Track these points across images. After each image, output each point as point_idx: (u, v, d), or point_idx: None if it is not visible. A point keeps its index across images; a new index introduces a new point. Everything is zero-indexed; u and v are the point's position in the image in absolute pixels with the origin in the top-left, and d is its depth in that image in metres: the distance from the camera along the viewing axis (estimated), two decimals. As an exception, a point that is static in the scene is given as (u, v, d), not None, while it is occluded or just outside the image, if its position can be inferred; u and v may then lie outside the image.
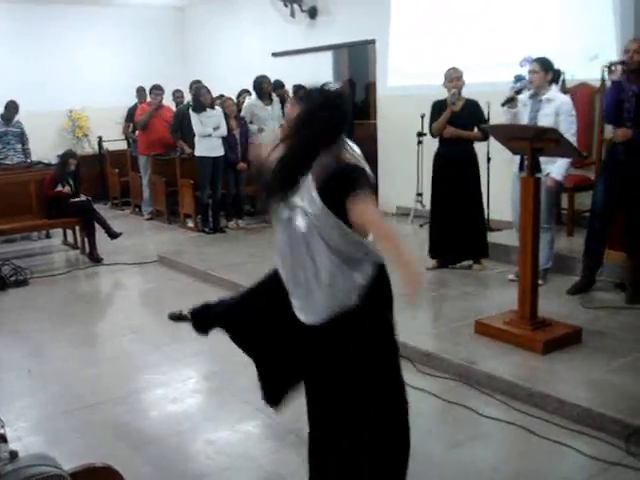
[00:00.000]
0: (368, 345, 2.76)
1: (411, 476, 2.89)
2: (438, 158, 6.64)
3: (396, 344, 2.93)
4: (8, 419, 3.98)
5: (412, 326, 5.28)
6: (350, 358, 2.73)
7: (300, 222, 2.65)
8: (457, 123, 6.41)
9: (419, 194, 8.92)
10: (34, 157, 10.48)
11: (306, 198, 2.62)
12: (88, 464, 1.93)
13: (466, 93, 6.49)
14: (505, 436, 3.84)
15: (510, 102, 5.73)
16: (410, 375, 4.51)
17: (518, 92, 5.80)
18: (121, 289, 7.44)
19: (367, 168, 2.78)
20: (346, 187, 2.55)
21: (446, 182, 6.53)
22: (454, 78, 6.39)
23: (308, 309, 2.75)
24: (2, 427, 3.80)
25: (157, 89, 10.45)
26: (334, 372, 2.76)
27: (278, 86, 10.08)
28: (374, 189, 2.78)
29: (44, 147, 11.23)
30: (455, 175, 6.48)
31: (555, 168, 5.65)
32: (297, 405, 4.16)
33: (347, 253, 2.69)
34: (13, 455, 1.63)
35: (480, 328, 4.96)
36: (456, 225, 6.50)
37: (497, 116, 6.66)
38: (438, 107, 6.52)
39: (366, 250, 2.73)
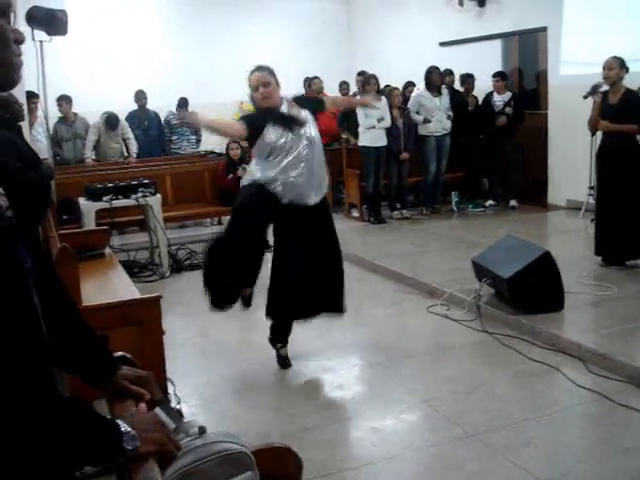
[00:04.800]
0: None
1: (579, 475, 2.79)
2: (600, 151, 6.41)
3: None
4: (183, 395, 4.21)
5: (584, 325, 5.12)
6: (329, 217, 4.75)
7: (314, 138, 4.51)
8: (612, 115, 6.14)
9: (591, 187, 8.56)
10: (207, 147, 10.97)
11: (309, 126, 4.50)
12: (268, 443, 1.99)
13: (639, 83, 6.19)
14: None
15: None
16: (580, 375, 4.40)
17: None
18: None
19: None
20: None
21: (608, 176, 6.28)
22: (604, 68, 6.14)
23: (319, 192, 4.53)
24: (179, 403, 4.03)
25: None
26: (329, 226, 4.71)
27: (446, 74, 10.06)
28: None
29: (216, 137, 11.66)
30: (616, 169, 6.21)
31: None
32: (462, 401, 4.16)
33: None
34: (202, 430, 1.71)
35: (657, 330, 4.72)
36: (619, 221, 6.22)
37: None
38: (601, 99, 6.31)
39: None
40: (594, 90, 6.35)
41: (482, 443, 3.63)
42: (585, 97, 6.59)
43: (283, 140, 4.39)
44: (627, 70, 6.12)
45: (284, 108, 4.50)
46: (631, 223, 6.24)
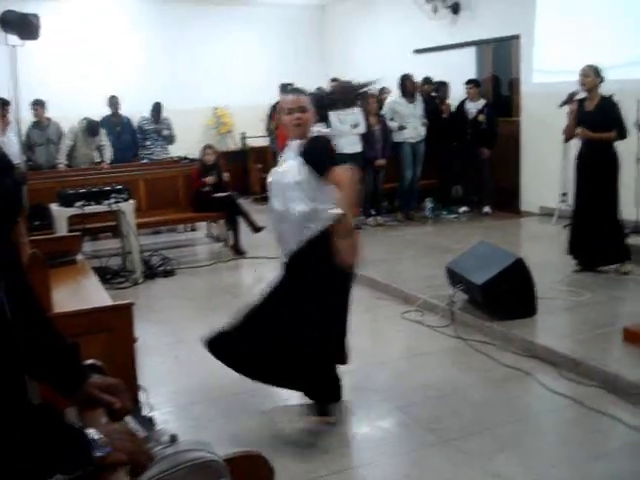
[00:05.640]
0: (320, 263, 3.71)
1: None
2: (578, 159, 6.46)
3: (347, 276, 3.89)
4: (156, 403, 4.17)
5: (557, 331, 5.15)
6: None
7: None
8: (589, 122, 6.20)
9: (564, 194, 8.64)
10: (180, 153, 10.94)
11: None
12: (240, 451, 1.98)
13: (614, 91, 6.23)
14: (653, 449, 3.67)
15: None
16: (554, 381, 4.42)
17: None
18: (263, 282, 7.60)
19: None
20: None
21: (586, 183, 6.35)
22: (580, 75, 6.21)
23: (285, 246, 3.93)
24: (151, 411, 3.99)
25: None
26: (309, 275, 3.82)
27: (425, 83, 10.14)
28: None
29: (189, 143, 11.63)
30: (594, 176, 6.27)
31: None
32: (436, 407, 4.16)
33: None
34: (173, 439, 1.69)
35: (629, 336, 4.74)
36: (594, 227, 6.28)
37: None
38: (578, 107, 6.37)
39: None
40: (570, 98, 6.41)
41: (456, 449, 3.63)
42: (561, 105, 6.66)
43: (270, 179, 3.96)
44: (602, 79, 6.17)
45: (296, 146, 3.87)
46: (608, 230, 6.30)
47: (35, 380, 1.80)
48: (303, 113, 3.76)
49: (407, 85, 9.56)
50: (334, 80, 10.45)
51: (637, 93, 6.24)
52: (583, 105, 6.32)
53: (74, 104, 10.69)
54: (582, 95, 6.33)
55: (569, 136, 6.49)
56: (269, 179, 3.93)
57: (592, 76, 6.13)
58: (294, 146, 3.81)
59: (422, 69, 10.37)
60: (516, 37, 9.73)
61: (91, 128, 9.84)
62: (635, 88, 6.33)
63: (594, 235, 6.31)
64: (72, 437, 1.44)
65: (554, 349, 4.72)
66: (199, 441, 1.77)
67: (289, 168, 3.79)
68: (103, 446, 1.44)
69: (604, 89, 6.28)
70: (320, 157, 3.78)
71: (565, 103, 6.52)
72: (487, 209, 9.82)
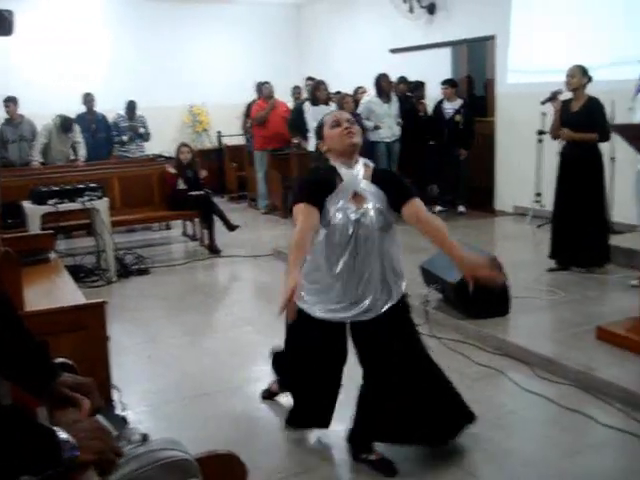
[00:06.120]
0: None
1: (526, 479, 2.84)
2: (561, 158, 6.47)
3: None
4: (129, 402, 4.15)
5: (530, 329, 5.17)
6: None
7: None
8: (574, 123, 6.20)
9: (538, 194, 8.71)
10: (156, 151, 10.89)
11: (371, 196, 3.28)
12: (212, 450, 1.97)
13: (591, 92, 6.27)
14: (624, 446, 3.70)
15: None
16: (527, 379, 4.45)
17: None
18: (237, 281, 7.61)
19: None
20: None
21: (568, 183, 6.35)
22: (567, 75, 6.21)
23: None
24: (124, 410, 3.96)
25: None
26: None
27: (400, 82, 10.17)
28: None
29: (165, 141, 11.59)
30: (576, 176, 6.28)
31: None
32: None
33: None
34: (144, 438, 1.68)
35: (601, 334, 4.79)
36: (577, 228, 6.32)
37: (622, 115, 6.42)
38: (563, 107, 6.37)
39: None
40: (553, 96, 6.38)
41: (430, 448, 3.64)
42: (543, 103, 6.65)
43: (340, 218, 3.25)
44: (590, 79, 6.16)
45: (358, 170, 3.35)
46: (592, 231, 6.31)
47: (4, 378, 1.78)
48: (352, 124, 3.36)
49: (383, 85, 9.58)
50: (309, 79, 10.46)
51: (611, 94, 6.29)
52: (569, 105, 6.30)
53: (48, 101, 10.61)
54: (566, 94, 6.32)
55: (555, 135, 6.47)
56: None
57: (578, 76, 6.10)
58: None
59: (398, 69, 10.40)
60: (491, 37, 9.78)
61: (65, 125, 9.76)
62: (609, 89, 6.38)
63: (577, 235, 6.33)
64: (41, 438, 1.42)
65: (527, 348, 4.75)
66: (170, 440, 1.76)
67: None
68: (72, 447, 1.42)
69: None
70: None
71: (547, 101, 6.50)
72: (462, 208, 9.87)
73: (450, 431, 3.55)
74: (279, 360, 4.13)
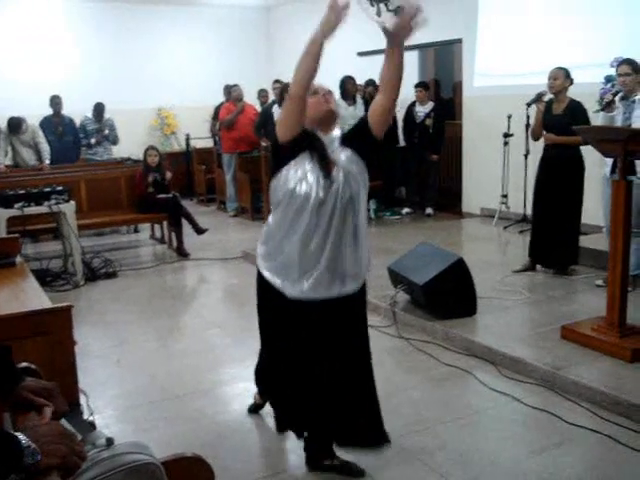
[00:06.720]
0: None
1: (492, 477, 2.86)
2: (543, 162, 6.44)
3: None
4: (97, 406, 4.13)
5: (496, 330, 5.22)
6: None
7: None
8: (556, 126, 6.22)
9: (504, 196, 8.79)
10: (124, 154, 10.82)
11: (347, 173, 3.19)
12: (178, 454, 1.97)
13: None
14: (590, 444, 3.75)
15: (609, 106, 5.63)
16: (493, 379, 4.50)
17: (615, 94, 5.69)
18: (206, 284, 7.58)
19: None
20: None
21: (548, 185, 6.35)
22: (549, 77, 6.21)
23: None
24: (92, 415, 3.94)
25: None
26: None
27: (368, 84, 10.23)
28: None
29: (133, 144, 11.52)
30: (557, 178, 6.28)
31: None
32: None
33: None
34: (109, 442, 1.68)
35: (567, 334, 4.86)
36: (553, 229, 6.36)
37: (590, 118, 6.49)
38: (545, 109, 6.40)
39: None
40: (538, 98, 6.37)
41: (398, 447, 3.66)
42: (529, 104, 6.67)
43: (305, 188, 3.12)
44: (572, 81, 6.16)
45: (335, 138, 3.30)
46: (566, 232, 6.33)
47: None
48: (329, 95, 3.42)
49: (347, 87, 9.62)
50: (277, 82, 10.45)
51: (581, 97, 6.35)
52: (551, 108, 6.30)
53: (14, 105, 10.45)
54: (549, 96, 6.32)
55: (536, 137, 6.47)
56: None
57: (561, 79, 6.09)
58: None
59: (365, 72, 10.42)
60: (458, 41, 9.85)
61: (12, 125, 9.57)
62: (578, 92, 6.45)
63: (552, 236, 6.36)
64: (3, 443, 1.41)
65: (494, 348, 4.80)
66: (136, 443, 1.76)
67: None
68: (34, 452, 1.42)
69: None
70: None
71: (533, 102, 6.48)
72: (430, 210, 9.92)
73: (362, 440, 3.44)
74: (258, 372, 4.08)
